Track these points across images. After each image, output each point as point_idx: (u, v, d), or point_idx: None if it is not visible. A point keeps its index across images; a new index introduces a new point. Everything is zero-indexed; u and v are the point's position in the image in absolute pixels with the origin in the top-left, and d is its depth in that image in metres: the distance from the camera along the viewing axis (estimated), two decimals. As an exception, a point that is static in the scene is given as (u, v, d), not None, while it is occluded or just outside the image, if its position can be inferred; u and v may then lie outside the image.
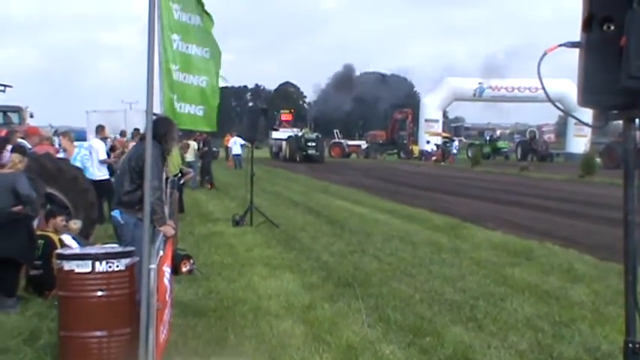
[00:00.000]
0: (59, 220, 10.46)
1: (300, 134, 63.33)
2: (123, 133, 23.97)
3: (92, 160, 16.69)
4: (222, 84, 15.29)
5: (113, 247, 7.55)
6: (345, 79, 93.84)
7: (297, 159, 60.09)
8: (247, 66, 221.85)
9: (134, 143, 13.08)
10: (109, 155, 17.48)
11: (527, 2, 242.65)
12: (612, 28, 3.87)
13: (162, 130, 8.35)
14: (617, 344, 6.99)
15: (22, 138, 14.46)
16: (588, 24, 3.94)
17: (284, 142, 64.63)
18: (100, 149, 17.08)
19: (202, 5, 8.70)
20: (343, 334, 7.95)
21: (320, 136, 64.61)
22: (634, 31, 3.61)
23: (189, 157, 25.50)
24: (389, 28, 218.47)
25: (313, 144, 61.18)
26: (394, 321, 8.58)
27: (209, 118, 9.21)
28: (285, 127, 69.68)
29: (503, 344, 7.73)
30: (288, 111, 76.39)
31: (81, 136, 26.75)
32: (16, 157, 9.77)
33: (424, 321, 8.61)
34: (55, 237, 9.90)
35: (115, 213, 8.66)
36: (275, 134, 68.56)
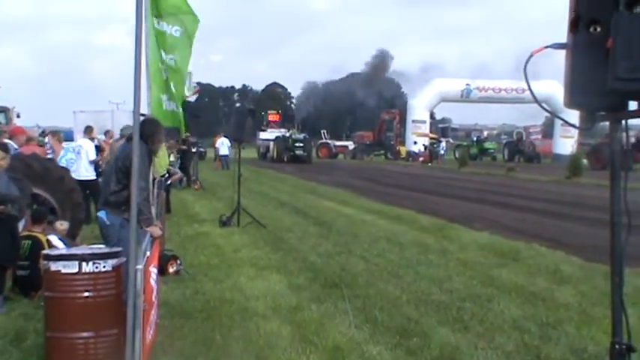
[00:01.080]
0: (47, 224, 10.43)
1: (287, 135, 63.31)
2: (108, 134, 23.85)
3: (81, 160, 16.68)
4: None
5: (100, 248, 7.53)
6: (380, 67, 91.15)
7: (285, 159, 60.02)
8: (235, 66, 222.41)
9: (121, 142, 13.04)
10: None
11: (519, 4, 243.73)
12: (599, 29, 3.88)
13: (149, 131, 8.33)
14: (603, 345, 7.01)
15: (9, 138, 14.38)
16: (575, 26, 3.96)
17: (271, 143, 64.56)
18: (90, 149, 17.10)
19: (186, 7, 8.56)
20: (330, 335, 7.95)
21: (307, 136, 64.75)
22: (620, 33, 3.62)
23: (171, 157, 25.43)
24: (378, 29, 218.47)
25: (301, 144, 61.38)
26: (381, 322, 8.59)
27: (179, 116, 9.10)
28: (272, 127, 69.44)
29: (490, 345, 7.74)
30: (275, 111, 76.21)
31: (68, 137, 26.65)
32: None
33: (411, 322, 8.62)
34: (42, 237, 9.86)
35: (101, 214, 8.64)
36: (263, 135, 68.38)
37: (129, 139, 8.39)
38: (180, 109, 8.94)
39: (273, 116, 73.26)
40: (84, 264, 6.55)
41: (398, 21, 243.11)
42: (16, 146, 13.66)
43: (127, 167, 7.88)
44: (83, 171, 16.54)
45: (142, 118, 7.89)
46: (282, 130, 67.42)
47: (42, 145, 19.09)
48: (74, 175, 14.57)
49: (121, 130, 17.00)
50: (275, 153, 62.75)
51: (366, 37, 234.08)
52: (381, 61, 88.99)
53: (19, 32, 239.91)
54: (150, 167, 8.81)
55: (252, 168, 44.83)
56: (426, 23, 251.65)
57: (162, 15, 8.13)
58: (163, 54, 8.26)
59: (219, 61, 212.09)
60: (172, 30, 8.34)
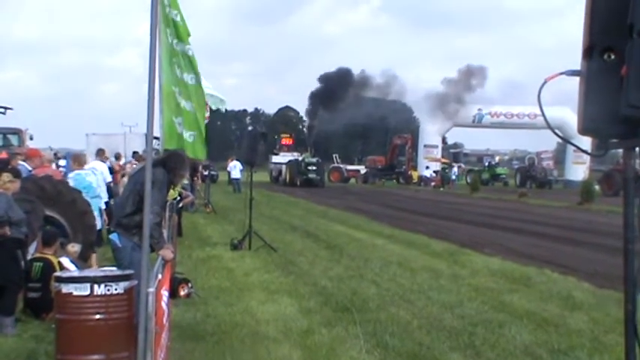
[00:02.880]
0: (59, 246, 10.44)
1: (300, 158, 62.80)
2: (118, 156, 23.93)
3: (97, 181, 16.71)
4: (222, 107, 15.21)
5: (112, 270, 7.53)
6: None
7: (298, 183, 59.56)
8: (248, 90, 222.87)
9: (134, 165, 13.11)
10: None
11: (532, 31, 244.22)
12: (613, 57, 3.88)
13: (173, 163, 8.43)
14: (616, 373, 6.97)
15: (23, 160, 14.43)
16: (589, 53, 3.96)
17: (284, 166, 64.18)
18: (105, 171, 17.17)
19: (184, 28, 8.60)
20: (341, 360, 7.93)
21: (320, 160, 64.07)
22: (635, 60, 3.62)
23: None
24: (391, 54, 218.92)
25: (314, 168, 60.74)
26: (392, 347, 8.57)
27: (200, 145, 9.11)
28: (285, 151, 69.11)
29: (502, 372, 7.71)
30: (288, 135, 75.96)
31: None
32: (6, 176, 9.48)
33: (422, 347, 8.59)
34: (54, 260, 9.87)
35: (113, 236, 8.65)
36: (275, 158, 68.02)
37: (154, 164, 8.43)
38: (200, 134, 8.92)
39: (286, 140, 72.84)
40: (95, 286, 6.55)
41: (410, 46, 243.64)
42: (29, 168, 13.70)
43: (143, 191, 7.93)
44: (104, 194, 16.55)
45: (157, 142, 7.93)
46: (295, 153, 67.21)
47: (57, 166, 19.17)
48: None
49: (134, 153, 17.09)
50: (288, 177, 62.33)
51: (377, 61, 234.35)
52: (391, 84, 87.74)
53: (31, 54, 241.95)
54: (167, 195, 8.86)
55: (264, 192, 44.86)
56: (437, 47, 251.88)
57: (182, 38, 8.20)
58: (182, 73, 8.31)
59: (232, 85, 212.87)
60: (189, 51, 8.41)
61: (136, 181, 8.76)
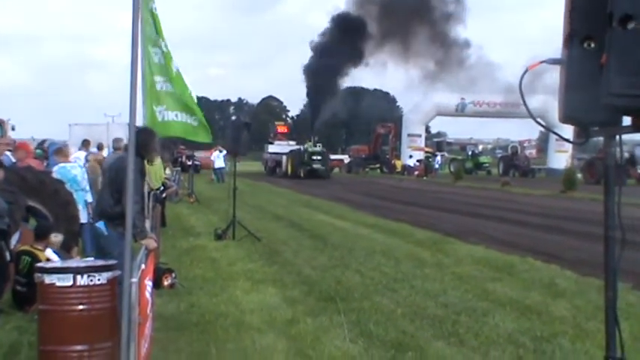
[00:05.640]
0: (53, 238, 10.38)
1: (303, 148, 58.59)
2: (100, 147, 23.72)
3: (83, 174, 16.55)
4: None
5: (95, 261, 7.51)
6: None
7: (301, 174, 55.57)
8: (231, 80, 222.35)
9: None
10: None
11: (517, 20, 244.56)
12: (593, 45, 3.90)
13: (143, 140, 8.34)
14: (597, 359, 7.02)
15: (9, 151, 14.35)
16: (569, 41, 3.98)
17: (284, 157, 60.11)
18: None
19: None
20: (325, 349, 7.94)
21: (325, 149, 61.05)
22: (614, 48, 3.64)
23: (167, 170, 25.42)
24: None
25: (318, 158, 56.95)
26: (376, 336, 8.59)
27: (204, 128, 9.16)
28: (280, 139, 65.76)
29: (485, 359, 7.75)
30: (283, 123, 74.00)
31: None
32: None
33: (406, 336, 8.62)
34: (42, 256, 9.77)
35: (100, 224, 8.63)
36: (271, 148, 64.70)
37: (124, 150, 8.43)
38: (194, 116, 8.93)
39: (281, 127, 70.09)
40: (78, 277, 6.52)
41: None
42: (13, 160, 13.63)
43: (119, 181, 7.92)
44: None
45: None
46: (292, 142, 64.13)
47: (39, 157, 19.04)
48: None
49: (113, 142, 16.95)
50: (289, 168, 58.08)
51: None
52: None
53: (13, 45, 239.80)
54: (143, 180, 8.82)
55: (248, 181, 44.81)
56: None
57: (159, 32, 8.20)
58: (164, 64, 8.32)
59: (216, 75, 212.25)
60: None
61: (110, 172, 8.75)
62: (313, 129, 66.35)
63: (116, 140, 17.74)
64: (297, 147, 60.12)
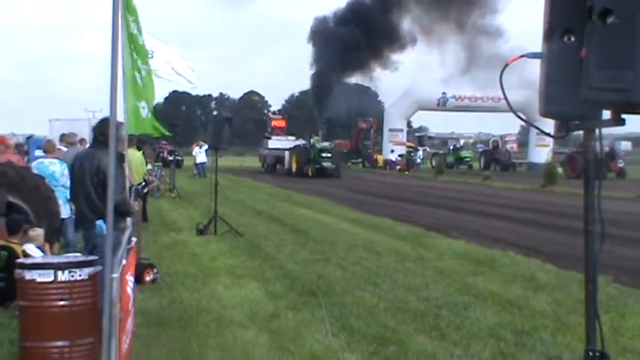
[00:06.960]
0: (31, 232, 10.32)
1: (310, 143, 51.84)
2: (82, 142, 23.56)
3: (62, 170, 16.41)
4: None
5: (76, 256, 7.48)
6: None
7: (309, 173, 49.70)
8: (212, 75, 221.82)
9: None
10: None
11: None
12: (573, 39, 3.91)
13: (105, 129, 8.22)
14: (578, 353, 7.06)
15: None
16: (549, 35, 3.99)
17: (286, 153, 54.03)
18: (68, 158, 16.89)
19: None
20: (307, 343, 7.95)
21: (333, 145, 56.08)
22: (594, 42, 3.65)
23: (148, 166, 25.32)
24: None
25: (328, 155, 50.58)
26: (358, 330, 8.60)
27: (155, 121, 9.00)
28: (278, 134, 61.26)
29: (466, 353, 7.78)
30: (280, 116, 70.92)
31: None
32: None
33: (388, 330, 8.64)
34: (18, 249, 9.74)
35: (101, 222, 8.53)
36: (271, 143, 59.04)
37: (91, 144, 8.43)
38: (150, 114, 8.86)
39: (277, 122, 65.65)
40: (59, 273, 6.49)
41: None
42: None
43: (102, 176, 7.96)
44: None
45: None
46: (291, 137, 59.49)
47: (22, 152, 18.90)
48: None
49: (62, 136, 16.81)
50: (294, 165, 51.47)
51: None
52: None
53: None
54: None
55: (230, 176, 44.73)
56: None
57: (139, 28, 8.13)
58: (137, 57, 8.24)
59: (198, 70, 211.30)
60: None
61: (91, 167, 8.61)
62: (321, 122, 63.84)
63: (70, 135, 17.49)
64: (302, 142, 54.54)
